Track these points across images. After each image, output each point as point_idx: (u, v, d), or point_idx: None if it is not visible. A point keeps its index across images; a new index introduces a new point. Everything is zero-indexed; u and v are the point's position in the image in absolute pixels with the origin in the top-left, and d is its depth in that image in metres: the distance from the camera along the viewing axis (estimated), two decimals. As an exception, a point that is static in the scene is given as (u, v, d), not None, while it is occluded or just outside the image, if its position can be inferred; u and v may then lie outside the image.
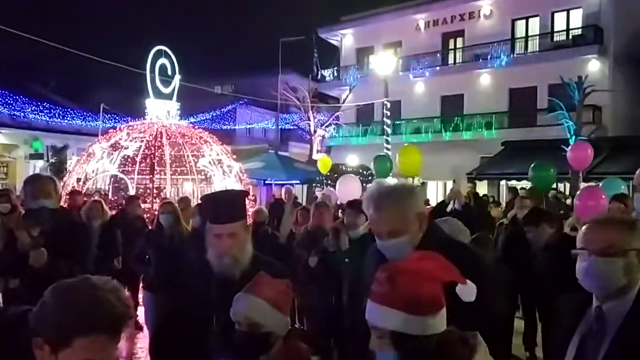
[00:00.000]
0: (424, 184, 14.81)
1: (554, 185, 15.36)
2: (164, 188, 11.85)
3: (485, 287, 2.18)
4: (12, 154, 24.01)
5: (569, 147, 10.57)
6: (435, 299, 1.53)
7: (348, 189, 7.00)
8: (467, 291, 1.61)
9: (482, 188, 21.05)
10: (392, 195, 2.10)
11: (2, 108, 22.45)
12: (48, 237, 3.52)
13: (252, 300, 2.15)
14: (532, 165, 8.63)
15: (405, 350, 1.47)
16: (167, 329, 2.93)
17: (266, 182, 17.87)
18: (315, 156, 23.91)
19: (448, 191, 13.99)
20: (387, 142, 16.94)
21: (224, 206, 2.63)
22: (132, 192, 10.88)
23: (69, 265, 3.44)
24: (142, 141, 11.74)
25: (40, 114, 23.88)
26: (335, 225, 5.39)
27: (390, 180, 2.10)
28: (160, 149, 11.59)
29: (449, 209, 6.57)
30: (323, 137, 27.04)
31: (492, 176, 20.63)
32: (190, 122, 16.78)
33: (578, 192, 6.80)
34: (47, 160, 23.19)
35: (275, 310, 2.15)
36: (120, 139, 11.84)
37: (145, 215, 8.41)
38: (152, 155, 11.54)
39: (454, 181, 17.92)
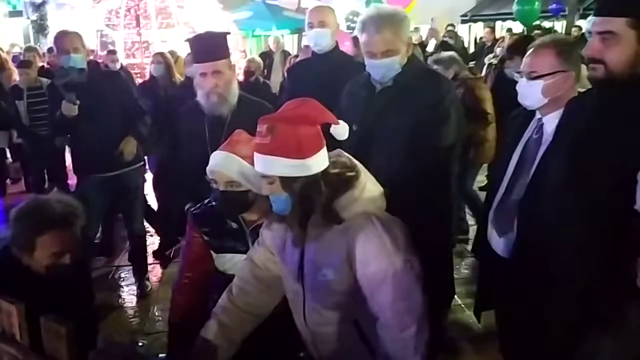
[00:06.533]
0: (416, 29, 14.33)
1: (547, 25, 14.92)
2: (152, 43, 11.56)
3: (449, 113, 2.38)
4: (-10, 14, 22.89)
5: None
6: (314, 141, 1.63)
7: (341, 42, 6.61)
8: (340, 131, 1.72)
9: (477, 30, 20.53)
10: (390, 18, 2.36)
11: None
12: (81, 93, 3.70)
13: (228, 157, 2.08)
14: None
15: (295, 190, 1.64)
16: (166, 169, 3.11)
17: (254, 33, 17.31)
18: (304, 3, 22.84)
19: (441, 35, 13.64)
20: (379, -17, 16.08)
21: (207, 45, 2.75)
22: (120, 47, 10.66)
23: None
24: (123, -9, 11.21)
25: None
26: None
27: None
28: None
29: (428, 49, 6.56)
30: (312, -18, 25.56)
31: (488, 17, 19.98)
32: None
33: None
34: (28, 18, 22.23)
35: (252, 168, 1.99)
36: (100, -11, 11.29)
37: (135, 72, 8.43)
38: (136, 7, 11.10)
39: (432, 19, 17.36)
